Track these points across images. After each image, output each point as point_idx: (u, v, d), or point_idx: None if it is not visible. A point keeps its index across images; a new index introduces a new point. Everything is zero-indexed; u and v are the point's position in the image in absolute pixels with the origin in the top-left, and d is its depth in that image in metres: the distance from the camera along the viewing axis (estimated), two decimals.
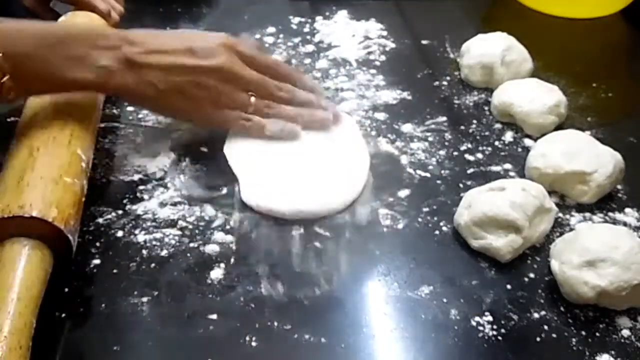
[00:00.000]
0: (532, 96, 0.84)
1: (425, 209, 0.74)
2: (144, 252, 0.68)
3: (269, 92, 0.78)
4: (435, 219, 0.73)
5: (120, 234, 0.70)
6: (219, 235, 0.70)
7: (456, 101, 0.91)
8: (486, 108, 0.89)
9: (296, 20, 1.07)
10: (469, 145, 0.83)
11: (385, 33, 1.05)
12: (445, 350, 0.61)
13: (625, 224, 0.73)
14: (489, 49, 0.92)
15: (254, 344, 0.60)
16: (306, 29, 1.05)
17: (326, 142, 0.81)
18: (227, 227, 0.71)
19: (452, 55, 0.99)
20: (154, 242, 0.69)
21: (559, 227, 0.72)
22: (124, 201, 0.73)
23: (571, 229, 0.72)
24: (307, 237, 0.70)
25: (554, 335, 0.62)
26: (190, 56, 0.73)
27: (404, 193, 0.76)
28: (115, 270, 0.66)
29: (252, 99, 0.77)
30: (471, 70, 0.93)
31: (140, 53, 0.72)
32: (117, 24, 0.93)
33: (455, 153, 0.82)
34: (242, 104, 0.77)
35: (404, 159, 0.81)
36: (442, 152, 0.82)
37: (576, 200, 0.75)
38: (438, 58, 1.00)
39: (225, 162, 0.77)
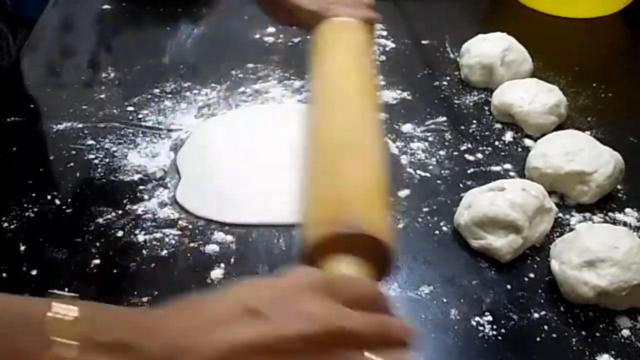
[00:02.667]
0: (532, 96, 0.84)
1: (425, 209, 0.74)
2: (144, 252, 0.68)
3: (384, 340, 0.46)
4: (435, 219, 0.73)
5: (120, 234, 0.70)
6: (219, 235, 0.70)
7: (456, 101, 0.91)
8: (486, 108, 0.89)
9: None
10: (469, 145, 0.83)
11: (385, 33, 1.04)
12: (445, 350, 0.61)
13: (625, 224, 0.73)
14: (489, 49, 0.92)
15: None
16: None
17: None
18: (227, 227, 0.71)
19: (452, 55, 0.99)
20: (154, 242, 0.69)
21: (559, 227, 0.72)
22: (124, 201, 0.73)
23: (571, 229, 0.72)
24: None
25: (554, 335, 0.62)
26: (258, 321, 0.42)
27: (404, 193, 0.76)
28: (115, 270, 0.66)
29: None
30: (471, 70, 0.93)
31: (167, 347, 0.41)
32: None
33: (455, 153, 0.82)
34: None
35: (404, 159, 0.81)
36: (442, 152, 0.82)
37: (576, 200, 0.75)
38: (438, 58, 1.00)
39: None
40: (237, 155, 0.80)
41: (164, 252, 0.68)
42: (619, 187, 0.77)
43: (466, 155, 0.82)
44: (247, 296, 0.44)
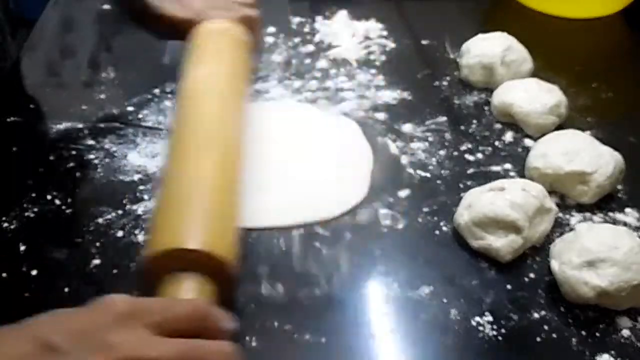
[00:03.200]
0: (532, 96, 0.84)
1: (425, 209, 0.74)
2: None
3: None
4: (435, 219, 0.73)
5: (120, 234, 0.70)
6: None
7: (456, 101, 0.91)
8: (486, 108, 0.89)
9: (296, 20, 1.07)
10: (469, 145, 0.83)
11: (385, 33, 1.05)
12: (445, 350, 0.61)
13: (625, 224, 0.73)
14: (489, 49, 0.92)
15: (254, 344, 0.60)
16: (306, 29, 1.05)
17: (325, 150, 0.81)
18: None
19: (452, 55, 0.99)
20: None
21: (559, 227, 0.72)
22: (124, 201, 0.73)
23: (571, 229, 0.72)
24: (307, 237, 0.70)
25: (554, 335, 0.62)
26: (55, 358, 0.41)
27: (404, 193, 0.76)
28: (115, 270, 0.66)
29: None
30: (471, 70, 0.93)
31: None
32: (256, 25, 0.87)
33: (455, 153, 0.82)
34: None
35: (404, 159, 0.81)
36: (442, 152, 0.82)
37: (576, 200, 0.75)
38: (438, 58, 1.00)
39: None
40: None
41: None
42: (619, 187, 0.77)
43: (466, 155, 0.82)
44: (47, 331, 0.42)
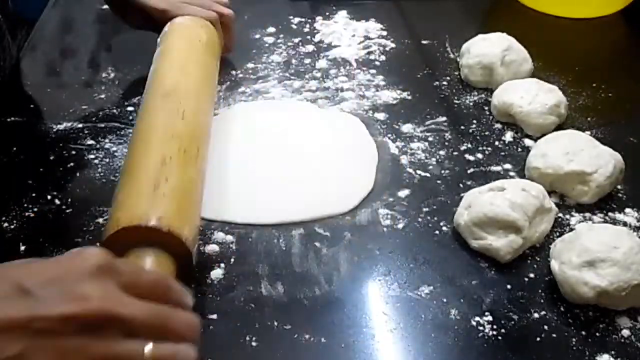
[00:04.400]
0: (532, 96, 0.84)
1: (425, 209, 0.74)
2: None
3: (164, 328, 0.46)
4: (435, 219, 0.73)
5: None
6: (219, 235, 0.70)
7: (456, 101, 0.91)
8: (486, 108, 0.89)
9: (296, 20, 1.07)
10: (469, 145, 0.83)
11: (385, 33, 1.05)
12: (445, 350, 0.61)
13: (625, 224, 0.73)
14: (489, 49, 0.92)
15: (254, 344, 0.60)
16: (306, 29, 1.05)
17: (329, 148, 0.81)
18: (227, 227, 0.71)
19: (452, 55, 0.99)
20: None
21: (559, 227, 0.72)
22: None
23: (571, 229, 0.72)
24: (307, 237, 0.70)
25: (554, 335, 0.62)
26: (25, 300, 0.41)
27: (404, 193, 0.76)
28: None
29: (147, 348, 0.44)
30: (471, 70, 0.93)
31: None
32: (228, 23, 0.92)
33: (455, 153, 0.82)
34: None
35: (404, 159, 0.81)
36: (442, 152, 0.82)
37: (576, 200, 0.75)
38: (438, 58, 1.00)
39: None
40: (235, 154, 0.80)
41: None
42: (619, 187, 0.77)
43: (466, 155, 0.82)
44: (22, 275, 0.43)
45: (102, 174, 0.77)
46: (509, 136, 0.85)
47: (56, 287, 0.42)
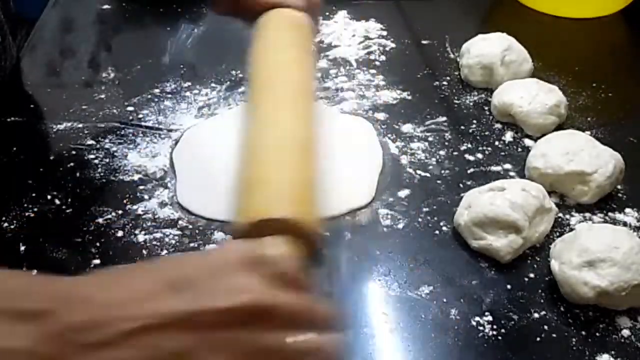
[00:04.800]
0: (532, 96, 0.84)
1: (425, 209, 0.74)
2: (144, 252, 0.68)
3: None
4: (435, 219, 0.73)
5: (120, 234, 0.70)
6: (219, 235, 0.70)
7: (456, 101, 0.91)
8: (486, 108, 0.89)
9: None
10: (469, 145, 0.83)
11: (385, 33, 1.04)
12: (445, 350, 0.61)
13: (625, 224, 0.73)
14: (489, 49, 0.92)
15: None
16: None
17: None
18: (227, 227, 0.71)
19: (452, 55, 0.99)
20: (154, 242, 0.69)
21: (559, 227, 0.72)
22: (124, 201, 0.73)
23: (571, 229, 0.72)
24: None
25: (554, 335, 0.62)
26: (180, 295, 0.41)
27: (404, 193, 0.76)
28: None
29: (302, 337, 0.44)
30: (471, 70, 0.93)
31: (84, 323, 0.40)
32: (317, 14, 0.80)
33: (455, 153, 0.82)
34: (292, 353, 0.44)
35: (404, 159, 0.81)
36: (442, 152, 0.82)
37: (576, 200, 0.75)
38: (438, 58, 1.00)
39: None
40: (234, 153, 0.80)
41: (164, 252, 0.68)
42: (619, 187, 0.77)
43: (466, 155, 0.82)
44: (172, 271, 0.43)
45: (102, 174, 0.77)
46: (509, 136, 0.85)
47: (207, 282, 0.42)
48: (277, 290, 0.44)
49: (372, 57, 0.99)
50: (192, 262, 0.45)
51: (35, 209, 0.72)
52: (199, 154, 0.80)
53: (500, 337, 0.61)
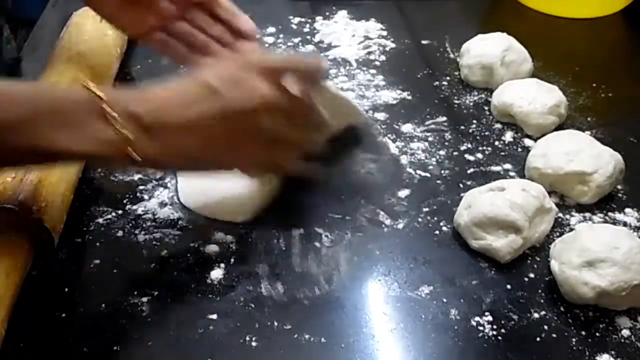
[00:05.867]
0: (532, 96, 0.84)
1: (425, 209, 0.74)
2: (144, 252, 0.68)
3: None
4: (435, 219, 0.73)
5: (120, 234, 0.70)
6: (219, 235, 0.70)
7: (456, 101, 0.91)
8: (486, 108, 0.89)
9: (296, 20, 1.07)
10: (469, 145, 0.83)
11: (385, 33, 1.04)
12: (445, 350, 0.61)
13: (625, 224, 0.73)
14: (489, 49, 0.92)
15: (254, 344, 0.60)
16: (306, 29, 1.05)
17: None
18: (227, 227, 0.71)
19: (452, 55, 0.99)
20: (154, 242, 0.69)
21: (559, 227, 0.72)
22: (124, 201, 0.73)
23: (571, 229, 0.72)
24: (307, 237, 0.70)
25: (554, 335, 0.62)
26: (216, 97, 0.59)
27: (404, 193, 0.76)
28: (115, 270, 0.66)
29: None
30: (471, 70, 0.93)
31: (154, 110, 0.58)
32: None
33: (455, 153, 0.82)
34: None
35: (404, 159, 0.81)
36: (442, 152, 0.82)
37: (576, 200, 0.75)
38: (438, 58, 1.00)
39: None
40: None
41: (164, 252, 0.68)
42: (619, 187, 0.77)
43: (466, 155, 0.82)
44: (209, 76, 0.60)
45: (102, 174, 0.77)
46: (509, 136, 0.85)
47: (234, 85, 0.59)
48: (284, 89, 0.61)
49: (372, 57, 0.99)
50: (225, 68, 0.61)
51: None
52: None
53: (500, 337, 0.61)
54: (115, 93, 0.58)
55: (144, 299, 0.63)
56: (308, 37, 1.03)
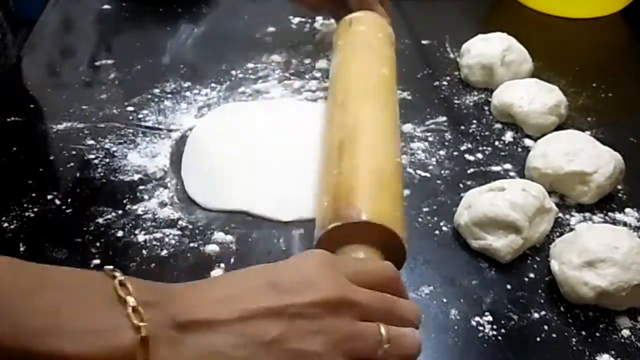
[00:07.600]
0: (532, 96, 0.84)
1: (425, 209, 0.74)
2: (144, 252, 0.68)
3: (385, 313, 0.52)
4: (435, 219, 0.73)
5: (120, 234, 0.70)
6: (219, 235, 0.70)
7: (456, 101, 0.91)
8: (486, 108, 0.89)
9: (296, 20, 1.07)
10: (469, 145, 0.83)
11: None
12: (445, 350, 0.61)
13: (625, 224, 0.73)
14: (489, 49, 0.92)
15: None
16: (306, 29, 1.05)
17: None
18: (227, 227, 0.71)
19: (452, 55, 0.99)
20: (154, 242, 0.69)
21: (559, 227, 0.72)
22: (124, 201, 0.73)
23: (571, 229, 0.72)
24: (307, 237, 0.70)
25: (554, 335, 0.62)
26: (275, 293, 0.49)
27: (404, 193, 0.76)
28: None
29: (382, 328, 0.50)
30: (471, 70, 0.93)
31: (195, 307, 0.48)
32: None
33: (455, 153, 0.82)
34: (374, 340, 0.50)
35: (404, 159, 0.81)
36: (442, 152, 0.82)
37: (576, 200, 0.75)
38: (438, 58, 1.00)
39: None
40: (241, 150, 0.81)
41: (164, 252, 0.68)
42: (619, 187, 0.77)
43: (466, 155, 0.82)
44: (269, 273, 0.51)
45: (102, 174, 0.77)
46: (509, 136, 0.85)
47: (299, 282, 0.50)
48: (356, 287, 0.51)
49: None
50: (285, 266, 0.53)
51: (35, 209, 0.72)
52: (209, 146, 0.81)
53: (500, 337, 0.61)
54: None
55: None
56: (308, 37, 1.03)
